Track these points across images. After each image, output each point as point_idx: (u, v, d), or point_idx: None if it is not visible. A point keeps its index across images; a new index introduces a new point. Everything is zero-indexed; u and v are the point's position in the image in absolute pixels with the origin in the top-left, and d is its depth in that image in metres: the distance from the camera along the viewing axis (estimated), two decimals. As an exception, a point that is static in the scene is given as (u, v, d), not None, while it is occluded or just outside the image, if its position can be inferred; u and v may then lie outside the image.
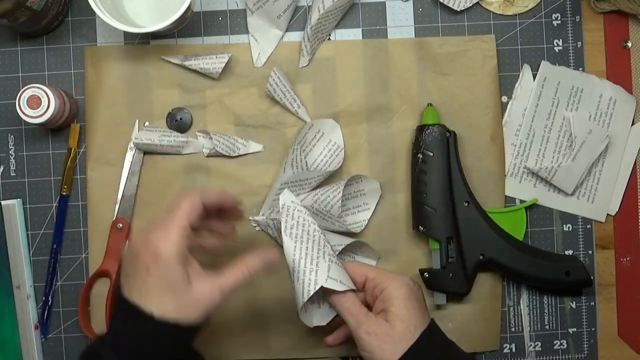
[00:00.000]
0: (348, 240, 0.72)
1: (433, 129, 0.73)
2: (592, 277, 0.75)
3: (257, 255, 0.61)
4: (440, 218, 0.73)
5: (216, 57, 0.75)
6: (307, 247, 0.64)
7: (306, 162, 0.72)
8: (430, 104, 0.75)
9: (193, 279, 0.57)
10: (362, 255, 0.76)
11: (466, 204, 0.73)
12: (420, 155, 0.73)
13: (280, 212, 0.65)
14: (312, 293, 0.62)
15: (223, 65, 0.74)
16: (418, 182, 0.74)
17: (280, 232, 0.66)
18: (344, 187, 0.72)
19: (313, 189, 0.74)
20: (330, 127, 0.75)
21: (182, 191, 0.64)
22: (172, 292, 0.56)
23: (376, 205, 0.76)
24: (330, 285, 0.62)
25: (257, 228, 0.76)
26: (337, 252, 0.69)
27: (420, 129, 0.74)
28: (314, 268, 0.63)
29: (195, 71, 0.76)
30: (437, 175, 0.73)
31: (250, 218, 0.76)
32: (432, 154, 0.73)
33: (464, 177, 0.74)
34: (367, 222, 0.75)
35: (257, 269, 0.61)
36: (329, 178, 0.74)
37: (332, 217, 0.72)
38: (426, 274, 0.73)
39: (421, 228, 0.73)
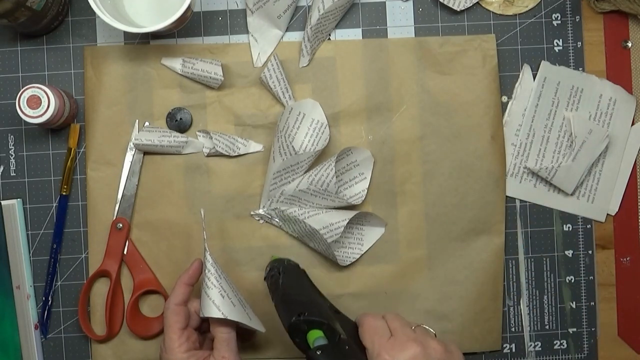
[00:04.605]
0: (351, 214, 0.72)
1: (288, 260, 0.71)
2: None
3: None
4: (317, 304, 0.65)
5: (212, 65, 0.75)
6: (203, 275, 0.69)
7: (292, 147, 0.72)
8: (273, 256, 0.74)
9: None
10: (368, 225, 0.76)
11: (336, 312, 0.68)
12: (280, 275, 0.68)
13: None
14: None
15: (220, 76, 0.74)
16: (284, 290, 0.67)
17: (284, 220, 0.75)
18: (336, 161, 0.72)
19: (306, 172, 0.74)
20: (310, 106, 0.74)
21: (165, 304, 0.69)
22: None
23: (372, 173, 0.76)
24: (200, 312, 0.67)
25: (261, 221, 0.76)
26: (341, 227, 0.70)
27: (276, 261, 0.71)
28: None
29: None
30: (301, 284, 0.69)
31: (252, 213, 0.76)
32: (294, 274, 0.70)
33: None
34: (366, 192, 0.75)
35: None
36: (320, 157, 0.74)
37: (331, 194, 0.72)
38: (319, 352, 0.60)
39: (302, 316, 0.62)
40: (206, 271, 0.67)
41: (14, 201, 0.76)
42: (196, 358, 0.66)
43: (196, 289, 0.70)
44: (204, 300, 0.66)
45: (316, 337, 0.61)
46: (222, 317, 0.65)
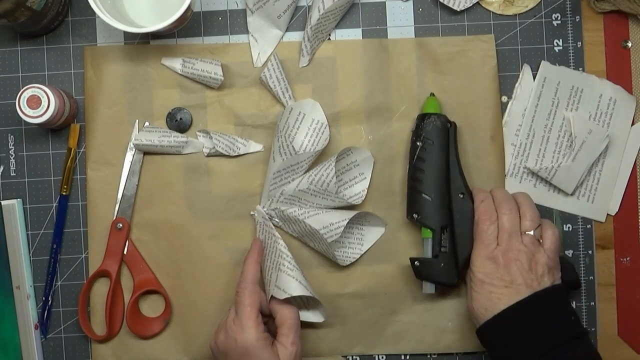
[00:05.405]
0: (351, 214, 0.73)
1: (435, 118, 0.73)
2: (581, 279, 0.74)
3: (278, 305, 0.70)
4: (435, 206, 0.72)
5: (212, 65, 0.75)
6: (267, 260, 0.73)
7: (293, 146, 0.72)
8: (433, 94, 0.75)
9: (277, 349, 0.67)
10: (368, 224, 0.76)
11: (461, 196, 0.73)
12: (419, 143, 0.73)
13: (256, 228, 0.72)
14: (269, 298, 0.70)
15: (220, 76, 0.74)
16: (415, 170, 0.73)
17: (284, 220, 0.75)
18: (336, 161, 0.72)
19: (306, 171, 0.74)
20: (310, 106, 0.74)
21: (241, 283, 0.69)
22: None
23: (371, 173, 0.76)
24: (275, 293, 0.69)
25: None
26: (341, 227, 0.71)
27: (422, 117, 0.74)
28: (269, 278, 0.71)
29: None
30: (436, 164, 0.73)
31: (252, 212, 0.76)
32: (432, 143, 0.73)
33: (461, 169, 0.74)
34: (366, 192, 0.75)
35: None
36: (321, 157, 0.74)
37: (331, 194, 0.72)
38: (417, 262, 0.72)
39: (415, 216, 0.73)
40: (284, 256, 0.71)
41: (14, 201, 0.76)
42: (268, 341, 0.67)
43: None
44: (289, 282, 0.69)
45: (426, 236, 0.74)
46: (310, 295, 0.69)
